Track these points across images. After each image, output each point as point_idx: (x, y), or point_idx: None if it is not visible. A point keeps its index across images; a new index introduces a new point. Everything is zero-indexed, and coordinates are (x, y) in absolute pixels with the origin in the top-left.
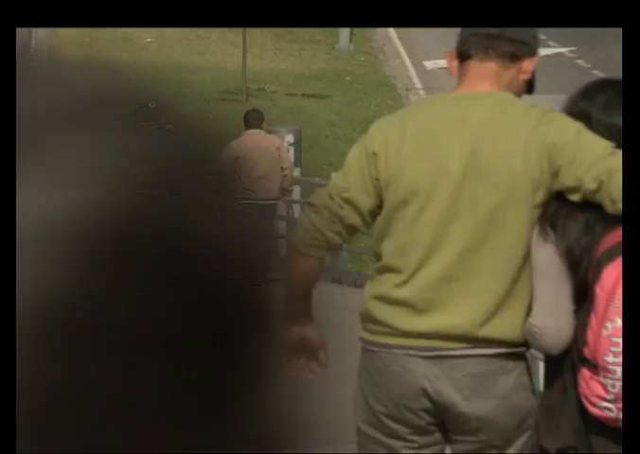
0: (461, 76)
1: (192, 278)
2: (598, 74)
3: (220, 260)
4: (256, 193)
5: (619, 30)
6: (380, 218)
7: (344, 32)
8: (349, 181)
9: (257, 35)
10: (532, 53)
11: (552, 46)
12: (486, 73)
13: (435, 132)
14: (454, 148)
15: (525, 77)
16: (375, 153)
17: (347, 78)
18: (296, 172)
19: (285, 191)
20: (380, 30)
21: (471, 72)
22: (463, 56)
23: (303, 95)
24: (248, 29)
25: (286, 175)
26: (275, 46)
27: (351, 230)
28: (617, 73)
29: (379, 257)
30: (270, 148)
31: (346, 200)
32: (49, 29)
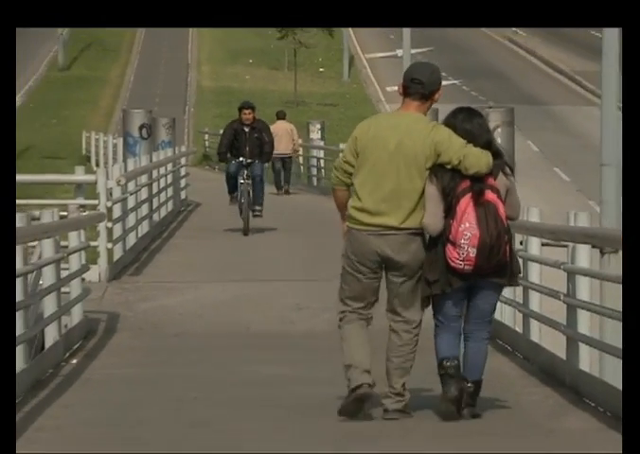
0: (402, 101)
1: None
2: (473, 93)
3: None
4: (279, 150)
5: (489, 67)
6: (355, 168)
7: (345, 71)
8: (347, 153)
9: (302, 74)
10: (438, 90)
11: (449, 80)
12: (412, 106)
13: (383, 130)
14: (391, 138)
15: (434, 102)
16: (356, 137)
17: (347, 96)
18: (322, 143)
19: (295, 151)
20: (363, 71)
21: (406, 103)
22: (403, 93)
23: (325, 104)
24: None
25: (294, 144)
26: (311, 80)
27: (351, 175)
28: (484, 93)
29: (355, 187)
30: (287, 129)
31: (347, 162)
32: (197, 67)
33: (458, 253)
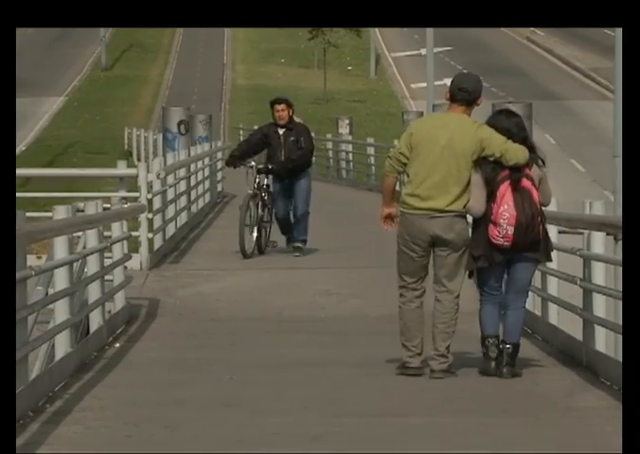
0: (449, 106)
1: None
2: (494, 90)
3: None
4: None
5: (509, 64)
6: (409, 159)
7: (372, 69)
8: (402, 145)
9: (331, 72)
10: (480, 96)
11: None
12: (458, 110)
13: (435, 129)
14: (442, 135)
15: (477, 106)
16: (412, 133)
17: (374, 92)
18: (350, 137)
19: None
20: (389, 69)
21: (453, 108)
22: (451, 99)
23: (353, 100)
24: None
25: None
26: (339, 78)
27: (404, 164)
28: (504, 89)
29: (408, 176)
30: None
31: (401, 153)
32: (232, 66)
33: (499, 231)
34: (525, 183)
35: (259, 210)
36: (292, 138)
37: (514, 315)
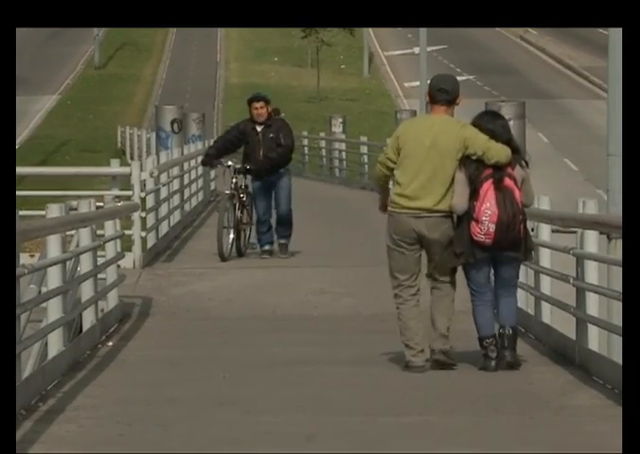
0: (430, 108)
1: None
2: (487, 88)
3: None
4: None
5: (502, 63)
6: (397, 162)
7: (365, 67)
8: (389, 149)
9: (324, 71)
10: (459, 95)
11: (464, 75)
12: (440, 110)
13: (420, 131)
14: (427, 136)
15: (457, 105)
16: (398, 136)
17: (367, 91)
18: (343, 136)
19: None
20: (382, 68)
21: (435, 109)
22: (431, 101)
23: (346, 99)
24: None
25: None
26: (333, 76)
27: (391, 168)
28: (497, 88)
29: (397, 177)
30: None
31: (389, 158)
32: (225, 65)
33: (480, 229)
34: (508, 182)
35: (238, 212)
36: (270, 135)
37: (507, 301)
